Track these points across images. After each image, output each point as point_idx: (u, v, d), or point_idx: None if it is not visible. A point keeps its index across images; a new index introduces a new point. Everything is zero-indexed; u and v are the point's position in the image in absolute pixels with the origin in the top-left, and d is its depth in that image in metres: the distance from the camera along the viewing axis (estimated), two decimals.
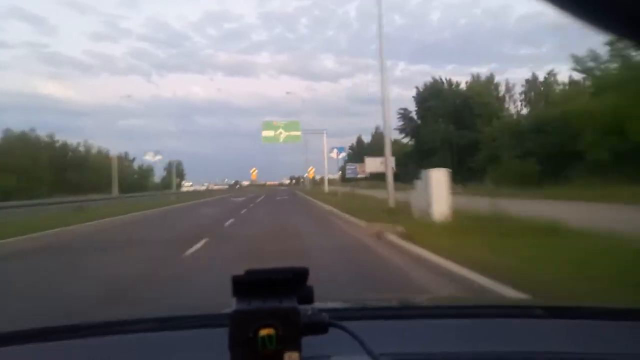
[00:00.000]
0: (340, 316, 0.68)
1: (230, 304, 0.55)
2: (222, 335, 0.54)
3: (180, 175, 70.72)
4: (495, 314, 1.11)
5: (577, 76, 26.26)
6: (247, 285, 0.54)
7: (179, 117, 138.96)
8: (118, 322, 1.10)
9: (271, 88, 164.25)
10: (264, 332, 0.51)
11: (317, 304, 0.58)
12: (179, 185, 61.59)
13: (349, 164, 33.89)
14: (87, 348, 0.91)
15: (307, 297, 0.57)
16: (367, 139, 68.60)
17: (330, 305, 1.07)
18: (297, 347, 0.52)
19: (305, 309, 0.56)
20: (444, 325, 1.00)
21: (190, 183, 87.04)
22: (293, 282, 0.56)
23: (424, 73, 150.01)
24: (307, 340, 0.54)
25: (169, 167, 58.05)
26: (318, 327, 0.57)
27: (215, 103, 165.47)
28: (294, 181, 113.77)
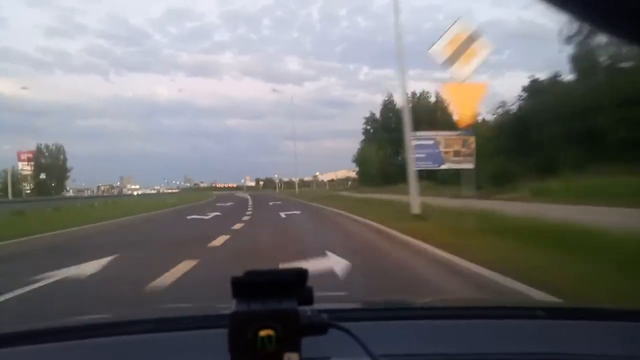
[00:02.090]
0: (340, 317, 0.68)
1: (229, 305, 0.55)
2: (221, 336, 0.54)
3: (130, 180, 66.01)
4: (497, 315, 1.12)
5: None
6: (246, 286, 0.55)
7: (142, 118, 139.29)
8: (116, 323, 1.10)
9: (235, 89, 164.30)
10: (263, 333, 0.52)
11: (317, 305, 0.59)
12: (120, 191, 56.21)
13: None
14: (85, 349, 0.91)
15: (307, 298, 0.57)
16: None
17: (330, 306, 1.08)
18: (296, 348, 0.53)
19: (305, 310, 0.57)
20: (444, 326, 1.01)
21: (137, 186, 78.75)
22: (293, 283, 0.56)
23: (388, 77, 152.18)
24: (307, 342, 0.55)
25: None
26: (318, 328, 0.58)
27: (178, 104, 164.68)
28: (261, 183, 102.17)
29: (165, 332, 0.98)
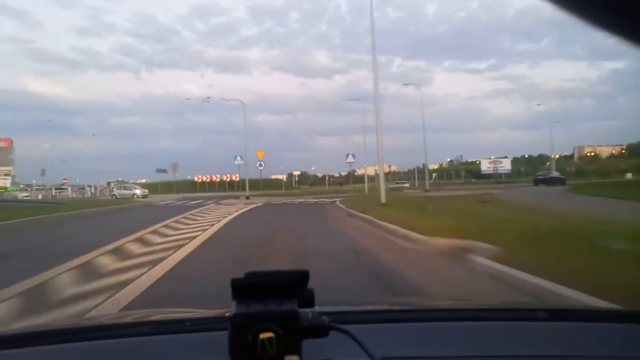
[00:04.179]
0: (341, 319, 0.68)
1: (230, 307, 0.56)
2: (222, 338, 0.55)
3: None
4: (498, 317, 1.13)
5: None
6: (246, 288, 0.55)
7: (172, 115, 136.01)
8: (116, 325, 1.11)
9: (264, 85, 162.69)
10: (264, 335, 0.52)
11: (318, 307, 0.59)
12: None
13: None
14: (83, 352, 0.92)
15: (308, 300, 0.57)
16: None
17: (331, 308, 1.09)
18: (297, 350, 0.53)
19: (306, 312, 0.57)
20: (445, 329, 1.01)
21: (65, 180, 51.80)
22: (293, 285, 0.56)
23: (420, 69, 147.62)
24: (307, 344, 0.55)
25: None
26: (318, 330, 0.58)
27: (210, 101, 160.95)
28: (296, 177, 73.31)
29: (166, 334, 0.99)
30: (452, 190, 30.11)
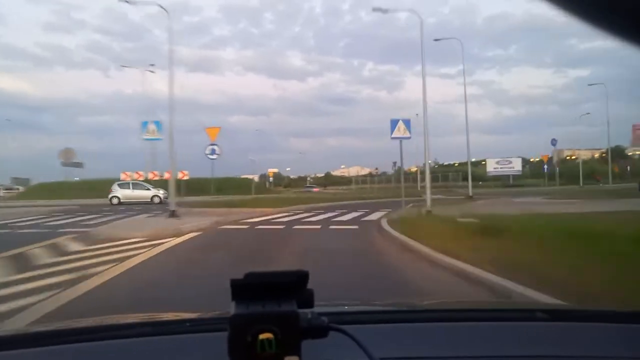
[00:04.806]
0: (340, 320, 0.68)
1: (229, 308, 0.56)
2: (221, 339, 0.55)
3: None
4: (497, 317, 1.14)
5: None
6: (246, 288, 0.55)
7: (142, 114, 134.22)
8: (116, 326, 1.12)
9: (238, 86, 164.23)
10: (263, 336, 0.53)
11: (317, 308, 0.60)
12: None
13: None
14: (83, 352, 0.92)
15: (307, 300, 0.58)
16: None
17: (331, 309, 1.08)
18: (296, 351, 0.54)
19: (305, 312, 0.57)
20: (444, 329, 1.02)
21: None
22: (293, 285, 0.57)
23: (393, 73, 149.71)
24: (307, 344, 0.55)
25: None
26: (318, 331, 0.58)
27: (179, 100, 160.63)
28: (270, 179, 63.85)
29: (166, 335, 0.99)
30: (501, 199, 23.89)
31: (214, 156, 18.58)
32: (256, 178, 59.55)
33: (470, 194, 25.87)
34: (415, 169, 70.31)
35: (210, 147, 18.56)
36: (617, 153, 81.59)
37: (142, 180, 30.21)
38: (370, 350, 0.62)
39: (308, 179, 67.06)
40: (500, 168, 56.52)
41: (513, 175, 55.17)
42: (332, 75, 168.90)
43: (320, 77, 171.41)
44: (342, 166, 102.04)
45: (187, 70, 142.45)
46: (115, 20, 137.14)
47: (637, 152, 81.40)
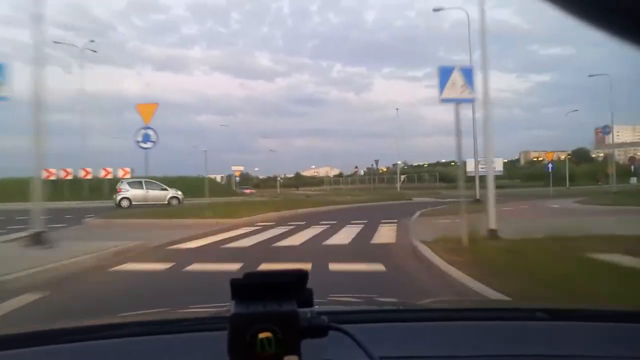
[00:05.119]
0: (340, 319, 0.68)
1: (229, 307, 0.56)
2: (221, 338, 0.55)
3: None
4: (497, 316, 1.13)
5: None
6: (245, 288, 0.56)
7: (109, 113, 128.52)
8: (115, 326, 1.10)
9: (205, 85, 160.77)
10: (263, 335, 0.52)
11: (317, 307, 0.60)
12: None
13: None
14: (83, 352, 0.92)
15: (307, 300, 0.58)
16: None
17: (330, 308, 1.12)
18: (296, 350, 0.54)
19: (305, 312, 0.57)
20: (444, 328, 1.02)
21: None
22: (292, 285, 0.57)
23: (361, 75, 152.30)
24: (306, 344, 0.55)
25: None
26: (317, 330, 0.58)
27: (147, 99, 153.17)
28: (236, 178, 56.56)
29: (165, 334, 0.98)
30: (525, 203, 21.64)
31: (148, 144, 13.00)
32: (219, 178, 54.35)
33: (478, 196, 21.29)
34: (385, 169, 66.83)
35: (143, 131, 12.98)
36: (582, 155, 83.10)
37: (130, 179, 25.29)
38: (370, 350, 0.62)
39: (278, 179, 63.72)
40: (481, 168, 53.12)
41: (494, 175, 51.86)
42: (301, 76, 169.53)
43: (289, 78, 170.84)
44: (313, 166, 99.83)
45: (154, 68, 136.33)
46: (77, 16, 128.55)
47: (601, 154, 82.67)
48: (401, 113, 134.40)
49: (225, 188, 43.83)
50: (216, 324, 0.89)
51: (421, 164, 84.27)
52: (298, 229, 11.43)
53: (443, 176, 60.33)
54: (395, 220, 13.13)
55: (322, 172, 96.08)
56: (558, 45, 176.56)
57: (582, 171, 60.18)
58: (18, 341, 0.95)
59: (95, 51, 25.46)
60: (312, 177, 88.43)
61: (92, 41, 25.81)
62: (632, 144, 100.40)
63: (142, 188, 22.58)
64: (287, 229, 11.28)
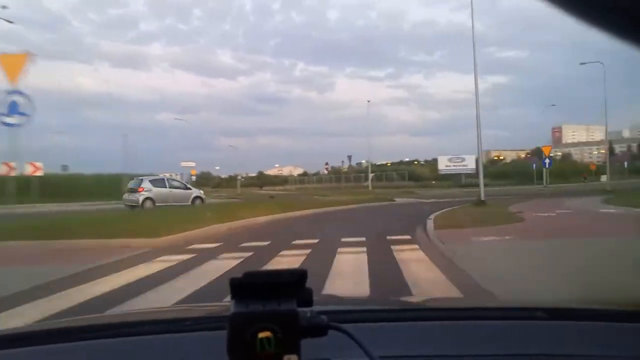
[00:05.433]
0: (340, 319, 0.68)
1: (228, 307, 0.55)
2: (220, 338, 0.55)
3: None
4: (496, 316, 1.13)
5: None
6: (245, 287, 0.55)
7: (64, 111, 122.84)
8: (114, 325, 1.10)
9: (165, 83, 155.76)
10: (262, 334, 0.52)
11: (317, 307, 0.60)
12: None
13: None
14: (84, 351, 0.92)
15: (307, 299, 0.57)
16: None
17: (330, 307, 1.11)
18: (296, 350, 0.53)
19: (305, 311, 0.57)
20: (444, 328, 1.01)
21: None
22: (292, 284, 0.56)
23: (323, 74, 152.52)
24: (306, 343, 0.55)
25: None
26: (317, 329, 0.58)
27: (105, 96, 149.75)
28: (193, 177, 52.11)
29: (164, 334, 0.98)
30: (540, 204, 17.28)
31: (14, 119, 8.75)
32: (178, 176, 49.02)
33: (483, 197, 17.50)
34: (346, 168, 63.41)
35: (9, 97, 8.66)
36: (541, 154, 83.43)
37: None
38: (369, 349, 0.62)
39: (238, 177, 57.51)
40: (453, 166, 50.42)
41: (466, 173, 49.10)
42: (263, 74, 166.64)
43: (251, 76, 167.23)
44: (276, 165, 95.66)
45: (112, 65, 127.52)
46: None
47: (559, 153, 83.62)
48: (364, 112, 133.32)
49: None
50: (216, 323, 0.89)
51: (384, 162, 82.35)
52: (249, 262, 6.55)
53: (411, 175, 58.02)
54: (409, 237, 8.61)
55: (286, 171, 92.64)
56: (513, 48, 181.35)
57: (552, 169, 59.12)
58: (18, 341, 0.95)
59: (11, 22, 19.26)
60: (276, 176, 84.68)
61: (4, 7, 19.45)
62: (586, 144, 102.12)
63: (166, 186, 19.90)
64: (229, 267, 6.23)
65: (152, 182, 19.71)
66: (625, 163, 47.29)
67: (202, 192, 21.30)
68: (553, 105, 47.07)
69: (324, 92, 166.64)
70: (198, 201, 20.09)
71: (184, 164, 35.69)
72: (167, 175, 26.12)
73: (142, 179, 19.85)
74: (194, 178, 49.69)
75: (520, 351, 0.87)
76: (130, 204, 18.76)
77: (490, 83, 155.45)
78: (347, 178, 53.98)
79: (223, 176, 78.78)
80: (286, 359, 0.52)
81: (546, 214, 12.85)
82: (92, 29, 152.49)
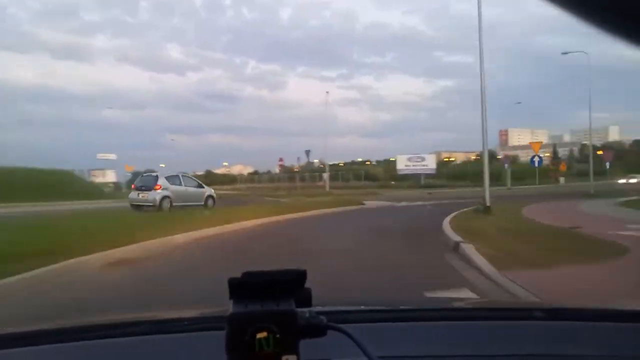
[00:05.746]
0: (339, 319, 0.68)
1: (228, 307, 0.55)
2: (219, 338, 0.54)
3: None
4: (495, 316, 1.14)
5: None
6: (243, 287, 0.55)
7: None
8: (113, 325, 1.09)
9: (110, 77, 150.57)
10: (261, 334, 0.52)
11: (316, 307, 0.60)
12: None
13: None
14: (81, 351, 0.92)
15: (305, 299, 0.58)
16: None
17: (329, 307, 1.08)
18: (295, 350, 0.53)
19: (303, 311, 0.57)
20: (443, 328, 1.02)
21: None
22: (291, 284, 0.56)
23: (275, 73, 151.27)
24: (305, 343, 0.55)
25: None
26: (316, 329, 0.58)
27: (45, 89, 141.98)
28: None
29: (163, 334, 0.98)
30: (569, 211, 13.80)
31: None
32: (111, 175, 47.35)
33: (488, 202, 13.38)
34: (300, 167, 59.78)
35: None
36: (489, 156, 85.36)
37: None
38: (368, 349, 0.62)
39: (180, 176, 51.19)
40: (413, 166, 47.65)
41: (426, 174, 46.49)
42: (214, 71, 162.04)
43: (201, 72, 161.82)
44: (225, 164, 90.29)
45: (53, 56, 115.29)
46: None
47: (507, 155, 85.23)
48: (315, 112, 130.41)
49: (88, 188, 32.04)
50: (214, 323, 0.89)
51: (337, 162, 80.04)
52: None
53: (367, 175, 55.48)
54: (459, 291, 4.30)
55: (236, 169, 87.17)
56: (460, 53, 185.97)
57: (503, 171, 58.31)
58: (18, 341, 0.94)
59: None
60: (224, 175, 78.38)
61: None
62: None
63: (181, 184, 17.31)
64: None
65: (168, 178, 17.11)
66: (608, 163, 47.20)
67: (213, 190, 18.53)
68: (519, 102, 45.20)
69: (275, 90, 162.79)
70: (210, 201, 17.63)
71: (101, 156, 29.66)
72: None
73: (156, 175, 17.51)
74: (129, 174, 45.50)
75: (520, 351, 0.88)
76: (141, 203, 15.94)
77: (439, 86, 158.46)
78: (301, 177, 49.64)
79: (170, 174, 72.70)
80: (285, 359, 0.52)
81: (625, 232, 8.33)
82: (30, 17, 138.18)
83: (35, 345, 0.90)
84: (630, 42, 0.43)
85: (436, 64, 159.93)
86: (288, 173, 52.94)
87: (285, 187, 37.38)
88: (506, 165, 37.62)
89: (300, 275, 0.56)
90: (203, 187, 18.12)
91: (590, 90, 25.77)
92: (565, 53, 27.03)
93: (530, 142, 23.08)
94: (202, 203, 17.25)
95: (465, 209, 14.25)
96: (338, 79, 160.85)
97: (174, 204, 16.16)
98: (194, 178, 19.35)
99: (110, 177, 52.15)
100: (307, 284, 0.57)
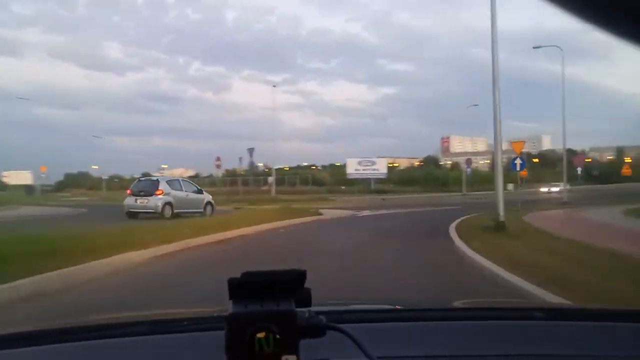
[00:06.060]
0: (338, 319, 0.69)
1: (227, 307, 0.55)
2: (218, 338, 0.55)
3: None
4: (495, 316, 1.14)
5: None
6: (243, 287, 0.55)
7: None
8: (113, 325, 1.10)
9: (43, 74, 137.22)
10: (261, 334, 0.52)
11: (315, 307, 0.60)
12: None
13: None
14: (80, 351, 0.92)
15: (305, 299, 0.57)
16: None
17: (329, 307, 1.08)
18: (294, 350, 0.53)
19: (303, 311, 0.57)
20: (443, 328, 1.02)
21: None
22: (290, 284, 0.56)
23: (220, 75, 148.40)
24: (305, 343, 0.55)
25: None
26: (316, 330, 0.58)
27: None
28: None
29: (162, 334, 0.99)
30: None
31: None
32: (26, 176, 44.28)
33: (502, 217, 10.27)
34: (243, 170, 55.65)
35: None
36: (432, 162, 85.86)
37: None
38: (368, 349, 0.62)
39: (102, 177, 48.32)
40: (363, 170, 45.22)
41: (377, 178, 44.19)
42: (156, 71, 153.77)
43: (142, 73, 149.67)
44: (164, 166, 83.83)
45: None
46: None
47: (449, 162, 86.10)
48: (260, 116, 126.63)
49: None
50: (214, 323, 0.89)
51: (282, 167, 77.22)
52: None
53: (314, 180, 53.73)
54: None
55: (177, 173, 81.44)
56: (402, 61, 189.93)
57: (453, 177, 57.53)
58: (18, 341, 0.95)
59: None
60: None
61: None
62: (473, 153, 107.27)
63: (182, 189, 15.79)
64: None
65: (169, 182, 15.82)
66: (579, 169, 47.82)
67: (211, 197, 17.16)
68: (476, 105, 44.40)
69: (220, 93, 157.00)
70: (209, 208, 16.36)
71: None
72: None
73: (156, 179, 16.25)
74: (43, 175, 42.36)
75: (520, 351, 0.89)
76: (140, 210, 14.74)
77: (381, 93, 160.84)
78: (245, 181, 45.23)
79: (105, 177, 66.92)
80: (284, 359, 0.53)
81: None
82: None
83: (35, 346, 0.91)
84: (630, 42, 0.42)
85: (380, 72, 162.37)
86: (231, 176, 48.49)
87: (228, 191, 33.07)
88: (468, 170, 36.08)
89: (300, 276, 0.56)
90: (202, 193, 16.83)
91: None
92: (538, 47, 25.78)
93: (512, 142, 20.82)
94: (202, 210, 16.05)
95: (458, 221, 12.01)
96: (283, 83, 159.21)
97: (175, 210, 14.95)
98: (192, 183, 18.13)
99: (24, 178, 46.24)
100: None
